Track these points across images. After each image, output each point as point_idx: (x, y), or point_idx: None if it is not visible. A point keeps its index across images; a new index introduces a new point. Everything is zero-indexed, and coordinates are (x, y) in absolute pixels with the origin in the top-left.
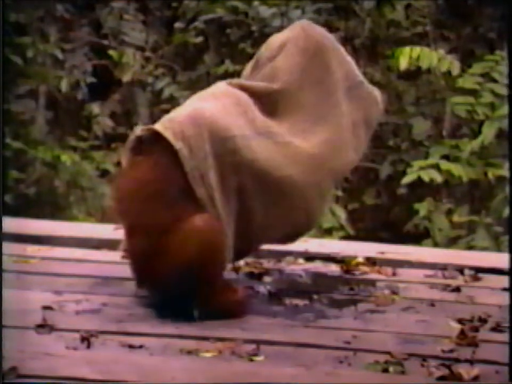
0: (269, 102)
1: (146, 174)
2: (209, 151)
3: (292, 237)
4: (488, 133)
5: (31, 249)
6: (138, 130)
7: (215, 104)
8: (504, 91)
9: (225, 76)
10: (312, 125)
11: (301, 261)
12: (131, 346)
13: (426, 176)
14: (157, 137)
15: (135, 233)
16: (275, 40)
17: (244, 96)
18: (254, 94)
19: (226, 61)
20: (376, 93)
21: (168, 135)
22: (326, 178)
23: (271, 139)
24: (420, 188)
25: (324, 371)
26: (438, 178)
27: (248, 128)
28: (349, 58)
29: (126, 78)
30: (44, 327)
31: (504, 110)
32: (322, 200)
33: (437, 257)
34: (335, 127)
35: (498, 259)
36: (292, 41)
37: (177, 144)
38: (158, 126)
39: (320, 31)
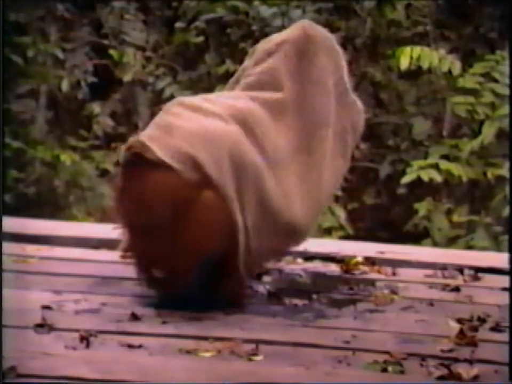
0: (277, 108)
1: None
2: (232, 177)
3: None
4: (488, 132)
5: (31, 249)
6: (135, 146)
7: (226, 127)
8: (504, 91)
9: (226, 75)
10: (318, 128)
11: (300, 260)
12: (130, 346)
13: (425, 176)
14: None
15: (145, 232)
16: (275, 37)
17: (251, 112)
18: (262, 101)
19: (227, 60)
20: (359, 102)
21: (186, 173)
22: (324, 202)
23: (280, 169)
24: (420, 188)
25: (323, 371)
26: (438, 178)
27: (258, 154)
28: (344, 63)
29: (126, 77)
30: (43, 326)
31: (505, 109)
32: (316, 221)
33: (437, 257)
34: (329, 132)
35: (498, 259)
36: (292, 42)
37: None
38: (169, 159)
39: (321, 32)
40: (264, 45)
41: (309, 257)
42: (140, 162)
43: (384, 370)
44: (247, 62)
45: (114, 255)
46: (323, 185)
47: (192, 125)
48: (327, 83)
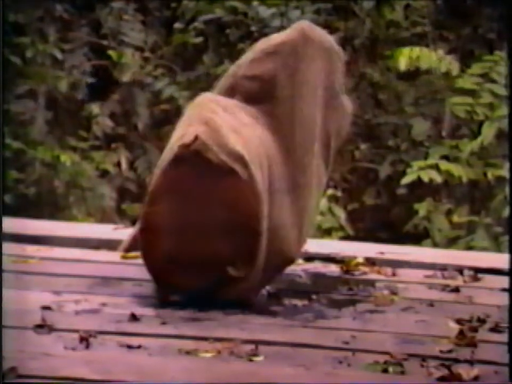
0: (276, 121)
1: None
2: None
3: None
4: (488, 133)
5: (31, 249)
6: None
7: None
8: (503, 91)
9: None
10: (312, 143)
11: (300, 261)
12: (130, 347)
13: (425, 176)
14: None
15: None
16: (274, 37)
17: (263, 137)
18: (267, 122)
19: (226, 61)
20: (348, 103)
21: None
22: (313, 218)
23: (285, 198)
24: (420, 188)
25: (323, 371)
26: (438, 178)
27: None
28: (339, 66)
29: (125, 78)
30: (43, 327)
31: (503, 110)
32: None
33: (437, 258)
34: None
35: (498, 259)
36: (290, 45)
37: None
38: (231, 162)
39: (320, 34)
40: (262, 44)
41: (309, 257)
42: (195, 160)
43: (385, 371)
44: (244, 58)
45: (114, 255)
46: (313, 203)
47: (231, 127)
48: (319, 89)
